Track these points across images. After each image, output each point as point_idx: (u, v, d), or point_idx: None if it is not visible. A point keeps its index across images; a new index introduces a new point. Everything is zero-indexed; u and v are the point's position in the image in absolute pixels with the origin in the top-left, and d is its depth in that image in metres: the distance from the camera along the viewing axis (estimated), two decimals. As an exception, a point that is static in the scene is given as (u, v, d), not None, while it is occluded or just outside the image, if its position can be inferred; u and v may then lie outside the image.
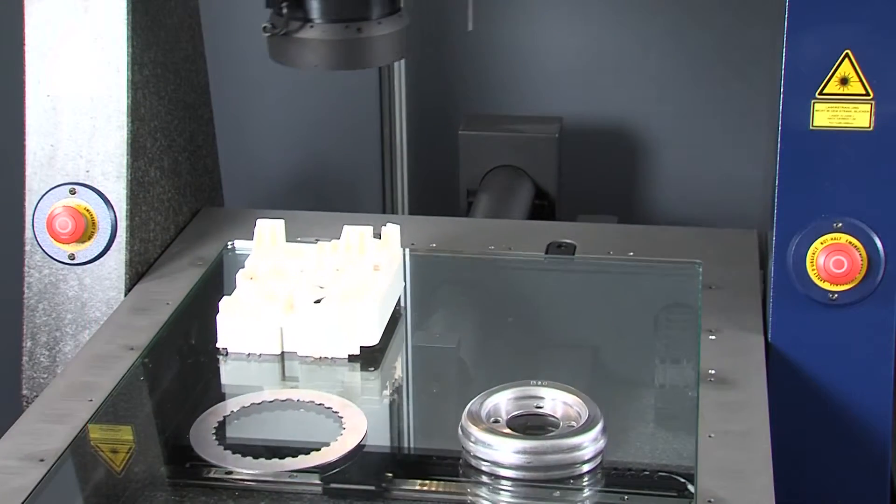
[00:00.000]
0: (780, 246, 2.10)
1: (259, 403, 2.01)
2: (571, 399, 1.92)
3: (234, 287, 2.19)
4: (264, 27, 1.82)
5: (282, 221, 2.31)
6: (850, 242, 2.08)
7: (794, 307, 2.11)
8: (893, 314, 2.10)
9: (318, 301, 2.12)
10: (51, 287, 2.32)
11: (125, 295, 2.29)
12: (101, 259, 2.31)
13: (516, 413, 1.92)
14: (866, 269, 2.08)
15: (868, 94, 2.03)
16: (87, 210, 2.30)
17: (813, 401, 2.13)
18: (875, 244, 2.07)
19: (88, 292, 2.31)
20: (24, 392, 2.32)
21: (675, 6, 3.04)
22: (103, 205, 2.30)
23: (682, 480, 1.85)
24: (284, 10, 1.80)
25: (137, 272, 2.34)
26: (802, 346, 2.13)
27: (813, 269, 2.09)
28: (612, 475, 1.86)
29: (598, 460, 1.85)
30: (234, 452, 1.88)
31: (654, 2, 3.06)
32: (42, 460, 1.83)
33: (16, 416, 1.95)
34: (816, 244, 2.08)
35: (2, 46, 2.75)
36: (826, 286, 2.09)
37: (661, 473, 1.89)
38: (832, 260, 2.07)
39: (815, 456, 2.16)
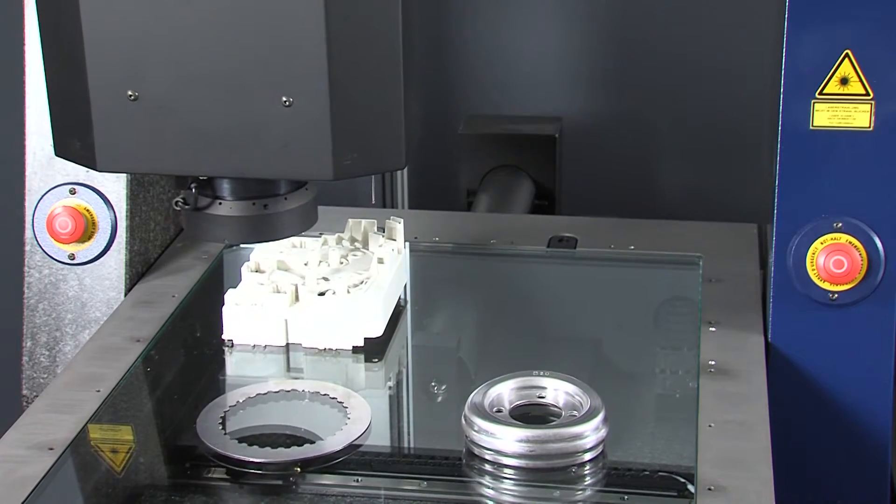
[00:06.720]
0: (780, 246, 2.10)
1: (265, 394, 2.04)
2: (573, 389, 1.94)
3: (239, 280, 2.22)
4: (175, 202, 1.88)
5: None
6: (850, 242, 2.08)
7: (794, 307, 2.11)
8: (893, 314, 2.10)
9: (322, 293, 2.14)
10: (51, 287, 2.31)
11: (125, 295, 2.30)
12: (101, 259, 2.31)
13: (519, 403, 1.95)
14: (866, 269, 2.08)
15: (868, 94, 2.03)
16: (87, 210, 2.30)
17: (813, 401, 2.13)
18: (875, 244, 2.07)
19: (88, 292, 2.31)
20: (25, 392, 2.33)
21: (676, 6, 3.04)
22: (103, 205, 2.30)
23: (682, 480, 1.85)
24: (193, 188, 1.89)
25: (137, 272, 2.34)
26: (802, 347, 2.13)
27: (813, 269, 2.09)
28: (612, 475, 1.86)
29: (599, 449, 1.87)
30: (240, 442, 1.90)
31: (655, 2, 3.06)
32: (51, 449, 1.85)
33: (16, 416, 1.95)
34: (816, 244, 2.08)
35: (2, 46, 2.75)
36: (826, 286, 2.09)
37: (661, 473, 1.89)
38: (832, 260, 2.07)
39: (815, 456, 2.16)
